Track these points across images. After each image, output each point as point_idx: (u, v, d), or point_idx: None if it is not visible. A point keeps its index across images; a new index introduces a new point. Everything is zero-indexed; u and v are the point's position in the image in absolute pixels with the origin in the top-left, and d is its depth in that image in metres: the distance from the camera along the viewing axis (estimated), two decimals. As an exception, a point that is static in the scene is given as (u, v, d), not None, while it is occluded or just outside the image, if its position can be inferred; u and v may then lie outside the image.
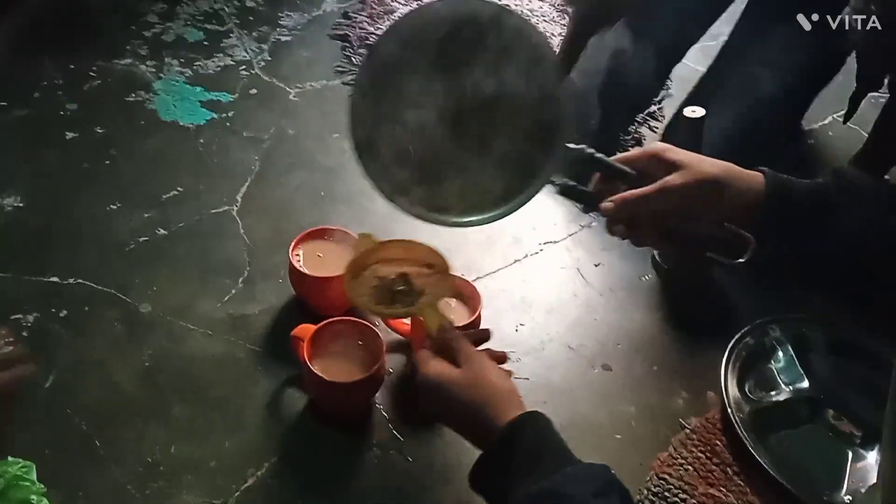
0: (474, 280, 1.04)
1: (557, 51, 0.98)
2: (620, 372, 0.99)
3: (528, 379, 0.97)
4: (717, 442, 0.90)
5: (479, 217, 0.82)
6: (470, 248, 1.12)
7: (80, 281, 1.04)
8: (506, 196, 0.82)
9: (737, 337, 0.97)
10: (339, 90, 1.39)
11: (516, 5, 1.62)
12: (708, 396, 0.96)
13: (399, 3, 1.61)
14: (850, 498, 0.84)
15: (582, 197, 0.84)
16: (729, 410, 0.90)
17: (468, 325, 0.93)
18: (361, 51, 1.47)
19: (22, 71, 1.37)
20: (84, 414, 0.89)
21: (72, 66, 1.39)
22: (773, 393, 0.93)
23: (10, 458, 0.79)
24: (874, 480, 0.84)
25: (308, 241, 1.01)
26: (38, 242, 1.09)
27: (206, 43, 1.48)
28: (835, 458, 0.87)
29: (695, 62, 1.36)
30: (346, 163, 1.21)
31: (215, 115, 1.32)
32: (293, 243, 0.99)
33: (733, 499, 0.85)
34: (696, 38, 1.30)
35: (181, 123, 1.30)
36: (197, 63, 1.43)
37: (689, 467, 0.88)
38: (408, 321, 0.95)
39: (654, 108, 1.38)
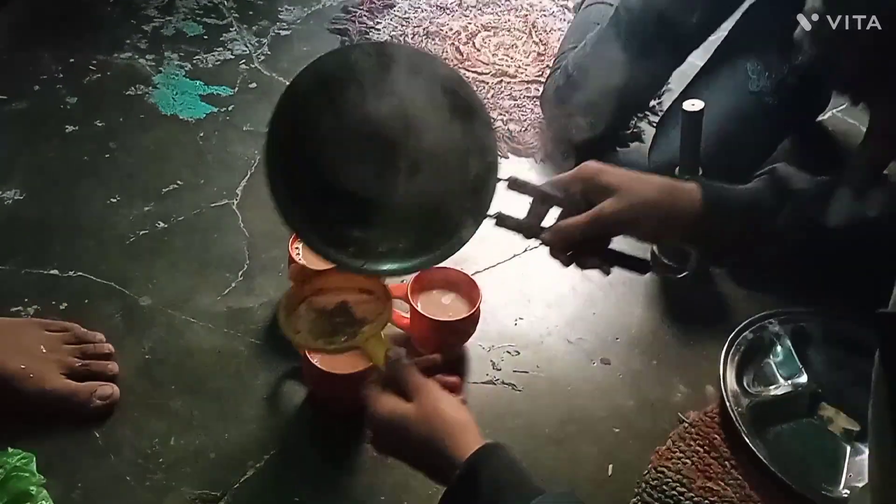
0: (473, 274, 1.04)
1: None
2: (619, 366, 0.99)
3: (527, 373, 0.97)
4: (716, 436, 0.90)
5: (392, 266, 0.79)
6: (469, 242, 1.11)
7: (79, 274, 1.04)
8: (421, 248, 0.80)
9: (735, 331, 0.98)
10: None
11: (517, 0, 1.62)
12: (706, 390, 0.96)
13: (398, -3, 1.61)
14: (848, 492, 0.84)
15: (520, 226, 0.81)
16: (727, 404, 0.90)
17: (467, 318, 0.94)
18: (361, 45, 1.47)
19: (22, 64, 1.37)
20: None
21: (71, 60, 1.38)
22: (771, 387, 0.93)
23: (9, 449, 0.79)
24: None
25: (307, 235, 1.01)
26: (37, 235, 1.09)
27: (205, 37, 1.48)
28: (833, 453, 0.88)
29: (693, 56, 1.36)
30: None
31: (215, 109, 1.32)
32: (292, 237, 0.99)
33: (731, 492, 0.85)
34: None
35: (181, 117, 1.30)
36: (196, 57, 1.42)
37: (688, 461, 0.88)
38: (407, 314, 0.95)
39: (653, 102, 1.38)
